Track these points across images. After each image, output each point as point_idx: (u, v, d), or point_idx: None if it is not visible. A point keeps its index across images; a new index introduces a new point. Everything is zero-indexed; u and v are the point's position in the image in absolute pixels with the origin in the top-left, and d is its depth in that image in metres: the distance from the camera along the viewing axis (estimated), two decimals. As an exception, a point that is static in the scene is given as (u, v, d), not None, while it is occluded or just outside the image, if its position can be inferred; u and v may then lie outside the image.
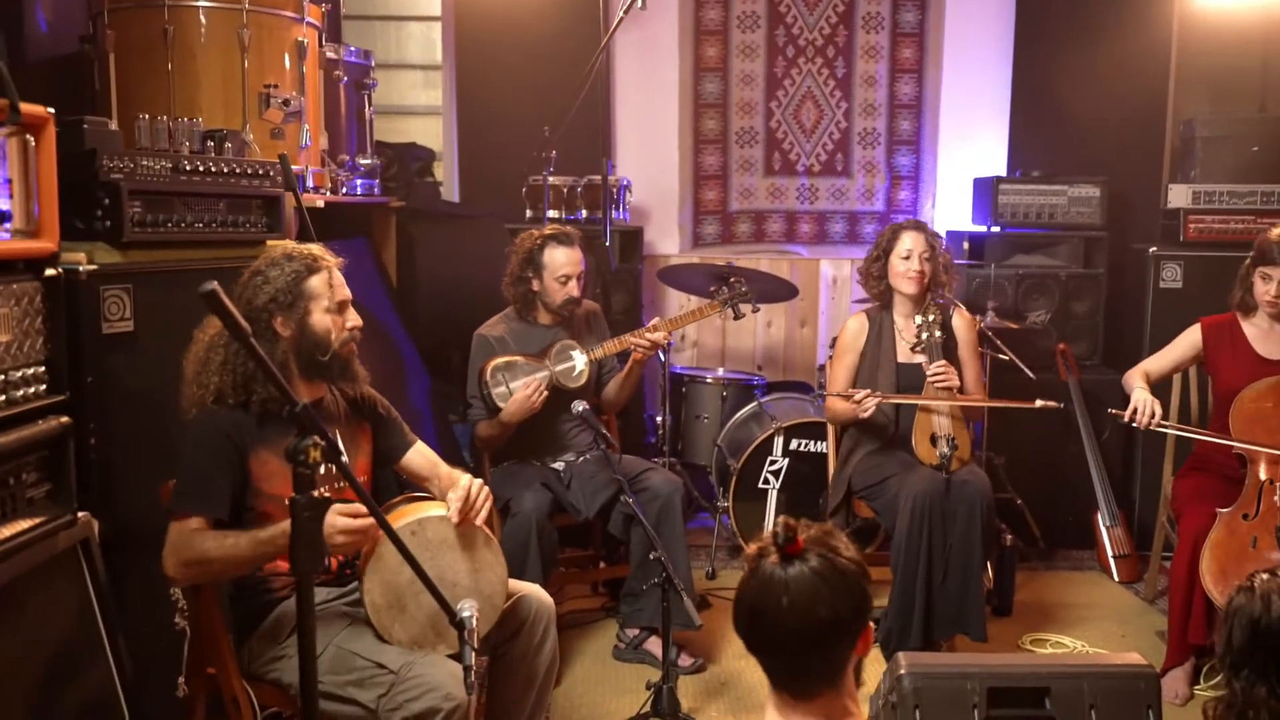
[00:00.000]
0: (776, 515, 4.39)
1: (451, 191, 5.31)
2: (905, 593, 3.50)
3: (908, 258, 3.76)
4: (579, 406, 3.40)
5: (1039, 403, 3.67)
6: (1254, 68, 5.36)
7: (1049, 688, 2.61)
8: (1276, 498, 3.36)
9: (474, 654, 2.11)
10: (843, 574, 1.62)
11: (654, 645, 3.64)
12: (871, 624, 1.72)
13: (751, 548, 1.69)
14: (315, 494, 1.82)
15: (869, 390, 3.63)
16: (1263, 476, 3.41)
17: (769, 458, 4.40)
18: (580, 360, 3.72)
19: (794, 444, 4.40)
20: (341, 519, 2.22)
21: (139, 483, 2.49)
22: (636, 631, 3.70)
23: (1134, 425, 3.60)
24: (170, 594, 2.45)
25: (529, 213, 4.92)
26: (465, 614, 2.17)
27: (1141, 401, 3.60)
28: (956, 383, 3.65)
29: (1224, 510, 3.41)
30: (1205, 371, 3.88)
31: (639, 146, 5.45)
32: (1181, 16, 5.18)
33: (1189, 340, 3.80)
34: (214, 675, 2.44)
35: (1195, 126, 4.95)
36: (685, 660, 3.61)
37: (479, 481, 2.49)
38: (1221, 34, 5.18)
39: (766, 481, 4.41)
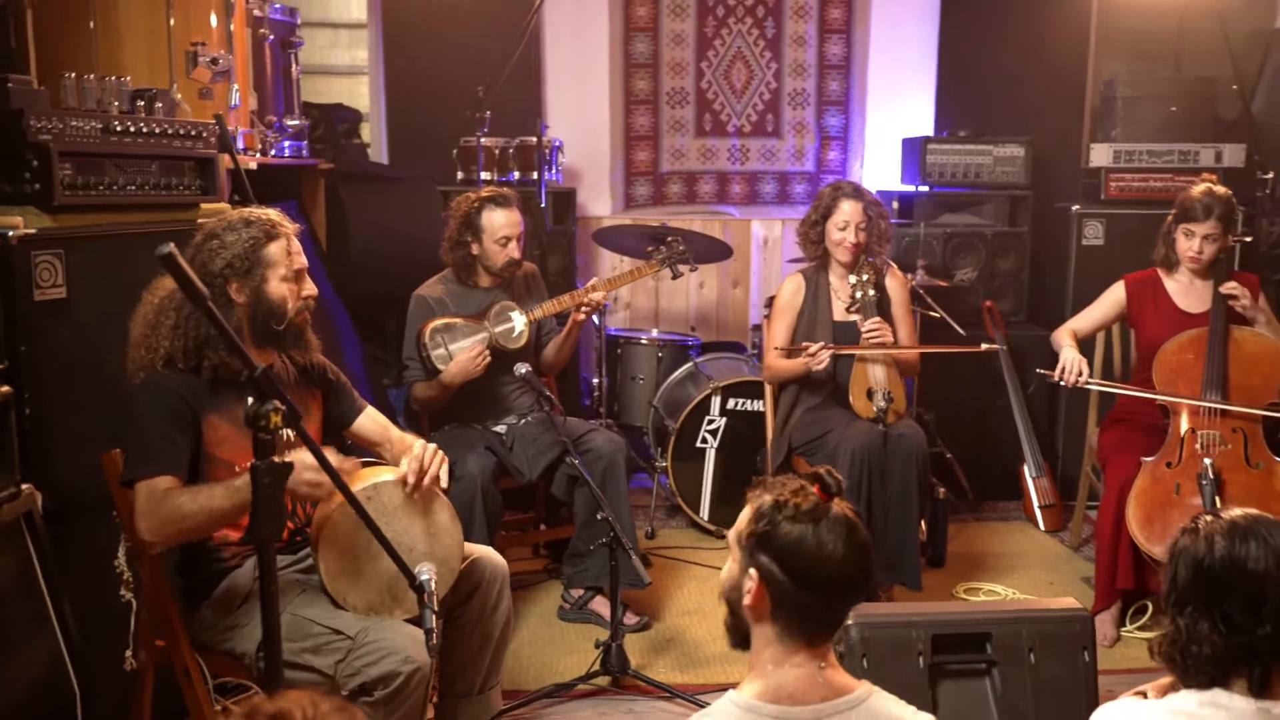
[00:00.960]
0: (715, 474, 4.45)
1: (380, 153, 5.23)
2: (845, 546, 3.56)
3: (844, 228, 3.81)
4: (521, 369, 3.39)
5: (983, 346, 3.78)
6: (1170, 29, 5.49)
7: (990, 633, 2.71)
8: (1198, 445, 3.48)
9: (434, 616, 2.11)
10: (858, 528, 1.69)
11: (599, 605, 3.67)
12: None
13: (802, 499, 1.66)
14: (275, 459, 1.80)
15: (822, 343, 3.68)
16: (1185, 426, 3.53)
17: (706, 417, 4.44)
18: (520, 321, 3.70)
19: (731, 403, 4.44)
20: (309, 466, 2.18)
21: (76, 453, 2.43)
22: (581, 591, 3.72)
23: (1062, 384, 3.71)
24: (115, 566, 2.40)
25: (460, 174, 4.87)
26: (424, 577, 2.17)
27: (1069, 360, 3.70)
28: (890, 339, 3.72)
29: (1148, 459, 3.53)
30: (1128, 326, 3.99)
31: (570, 107, 5.41)
32: (1101, -21, 5.29)
33: (1113, 297, 3.91)
34: (163, 647, 2.40)
35: (1115, 87, 5.07)
36: (631, 618, 3.64)
37: (433, 446, 2.47)
38: (1138, -3, 5.30)
39: (704, 441, 4.46)
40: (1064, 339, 3.84)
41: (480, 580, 2.59)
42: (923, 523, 4.08)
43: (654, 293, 5.52)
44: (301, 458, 2.14)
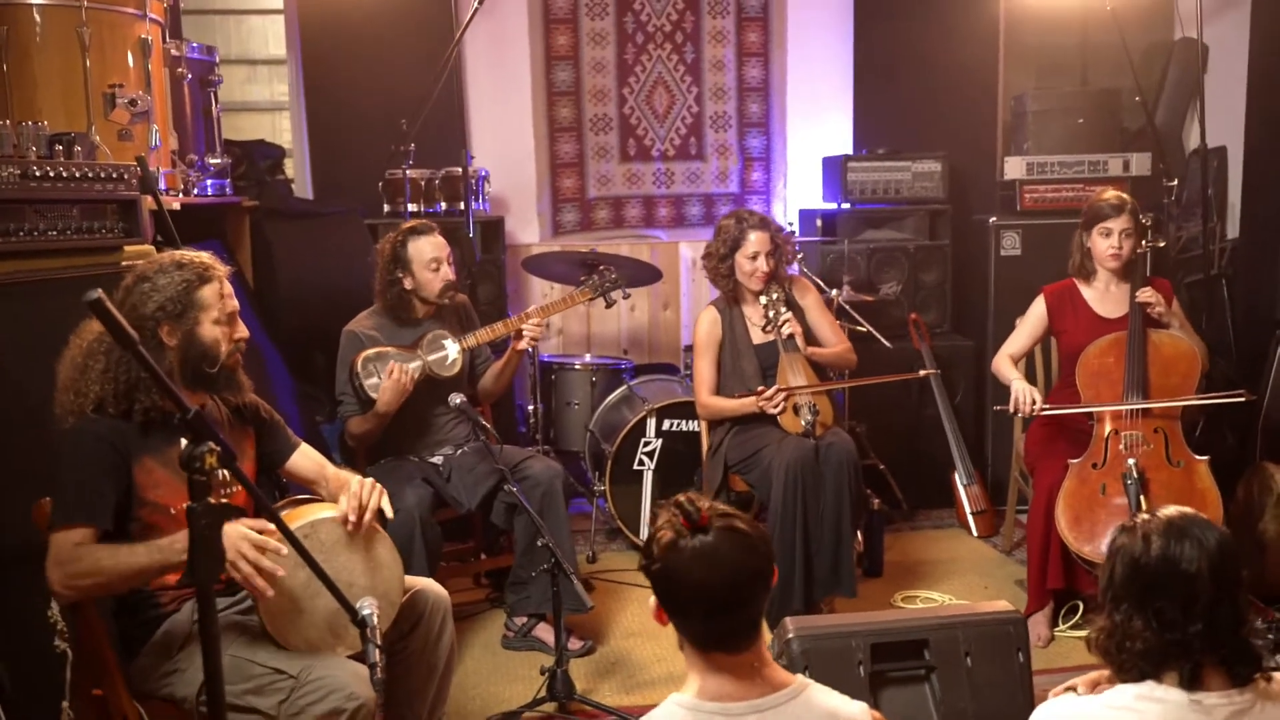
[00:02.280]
0: (653, 495, 4.48)
1: (304, 188, 5.20)
2: (785, 559, 3.62)
3: (754, 258, 3.88)
4: (456, 399, 3.39)
5: (920, 372, 3.86)
6: (1074, 43, 5.68)
7: (927, 639, 2.77)
8: (1121, 446, 3.59)
9: (377, 651, 2.11)
10: (748, 532, 1.73)
11: (543, 631, 3.68)
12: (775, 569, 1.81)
13: (664, 534, 1.73)
14: (211, 501, 1.79)
15: (777, 387, 3.74)
16: (1109, 428, 3.64)
17: (642, 439, 4.48)
18: (453, 349, 3.71)
19: (666, 424, 4.48)
20: (250, 536, 2.18)
21: (5, 500, 2.39)
22: (525, 619, 3.72)
23: (1018, 415, 3.79)
24: (49, 616, 2.36)
25: (387, 207, 4.87)
26: (366, 612, 2.17)
27: (1021, 391, 3.75)
28: (799, 328, 3.82)
29: (1074, 461, 3.62)
30: (1052, 335, 4.10)
31: (494, 136, 5.43)
32: (1006, -2, 5.45)
33: (1036, 313, 4.01)
34: (101, 696, 2.36)
35: (1025, 101, 5.22)
36: (575, 643, 3.65)
37: (370, 480, 2.47)
38: (1044, 12, 5.46)
39: (641, 463, 4.49)
40: (1007, 370, 3.90)
41: (423, 612, 2.58)
42: (859, 533, 4.16)
43: (586, 318, 5.55)
44: (233, 528, 2.14)
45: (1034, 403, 3.73)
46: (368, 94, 5.06)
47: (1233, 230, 5.45)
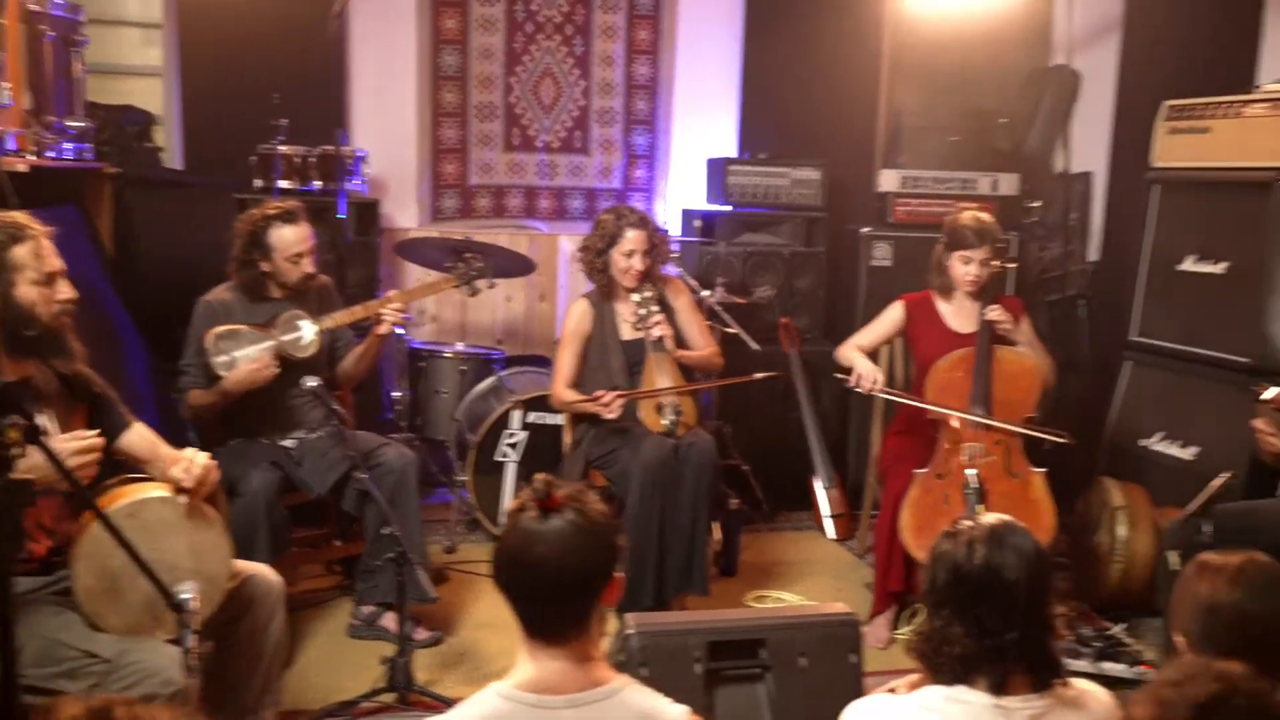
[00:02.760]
0: (515, 488, 4.47)
1: (174, 158, 5.04)
2: (638, 556, 3.65)
3: (630, 256, 3.90)
4: (310, 382, 3.33)
5: (759, 375, 3.92)
6: (955, 65, 5.82)
7: (764, 639, 2.81)
8: (964, 457, 3.70)
9: (193, 636, 2.07)
10: (594, 526, 1.75)
11: (390, 621, 3.63)
12: (619, 575, 1.81)
13: (513, 503, 1.77)
14: (11, 477, 1.72)
15: (616, 392, 3.76)
16: (953, 440, 3.75)
17: (506, 431, 4.46)
18: (309, 330, 3.63)
19: (532, 417, 4.47)
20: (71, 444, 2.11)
21: None
22: (372, 608, 3.68)
23: (858, 389, 3.89)
24: None
25: (259, 182, 4.75)
26: (184, 596, 2.12)
27: (865, 368, 3.88)
28: (670, 331, 3.84)
29: (921, 471, 3.73)
30: (906, 343, 4.21)
31: (376, 117, 5.34)
32: (894, 15, 5.55)
33: (891, 316, 4.11)
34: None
35: (903, 117, 5.34)
36: (422, 634, 3.62)
37: (202, 458, 2.41)
38: (928, 34, 5.58)
39: (504, 454, 4.47)
40: (851, 353, 4.01)
41: (252, 598, 2.54)
42: (716, 532, 4.21)
43: (461, 306, 5.50)
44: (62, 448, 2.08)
45: (876, 381, 3.85)
46: (246, 65, 4.92)
47: (1094, 253, 5.66)
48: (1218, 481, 3.08)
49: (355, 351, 3.87)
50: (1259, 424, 3.18)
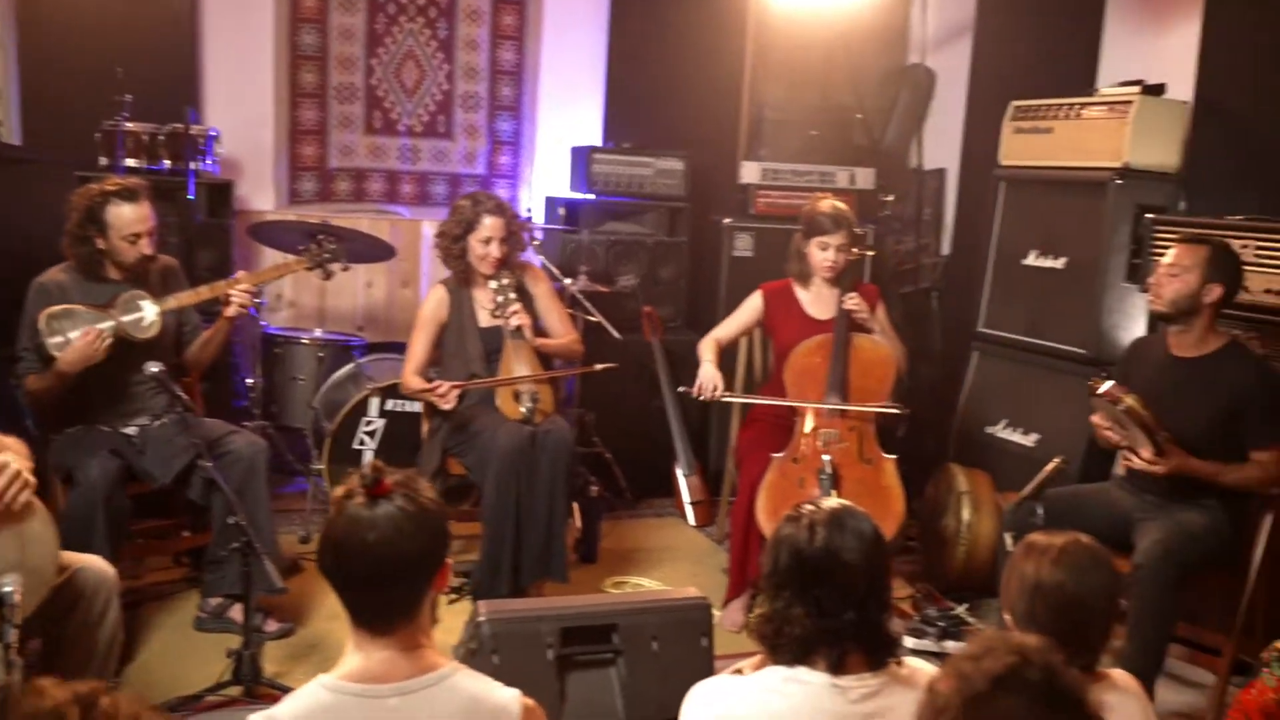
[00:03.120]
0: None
1: (12, 132, 4.80)
2: (494, 543, 3.63)
3: (487, 243, 3.88)
4: (153, 367, 3.21)
5: (598, 366, 3.97)
6: (817, 61, 5.94)
7: (616, 624, 2.84)
8: (819, 443, 3.78)
9: (14, 631, 1.98)
10: (424, 512, 1.73)
11: (238, 613, 3.53)
12: (449, 561, 1.80)
13: (339, 490, 1.74)
14: None
15: (451, 383, 3.75)
16: (809, 425, 3.83)
17: (364, 419, 4.39)
18: (150, 311, 3.48)
19: (390, 405, 4.40)
20: None
21: None
22: (220, 600, 3.58)
23: (701, 398, 3.96)
24: None
25: (104, 160, 4.56)
26: (5, 589, 2.03)
27: (705, 377, 3.95)
28: (528, 320, 3.85)
29: (777, 455, 3.80)
30: (765, 332, 4.28)
31: (231, 96, 5.18)
32: (758, 9, 5.63)
33: (751, 306, 4.18)
34: None
35: (765, 110, 5.42)
36: (272, 625, 3.53)
37: (14, 465, 2.28)
38: (791, 29, 5.68)
39: (362, 443, 4.40)
40: (706, 352, 4.06)
41: (82, 591, 2.44)
42: (576, 519, 4.22)
43: (319, 291, 5.37)
44: None
45: (716, 388, 3.91)
46: (90, 36, 4.73)
47: (946, 247, 5.84)
48: (1050, 466, 3.21)
49: (203, 336, 3.75)
50: (1095, 419, 3.33)
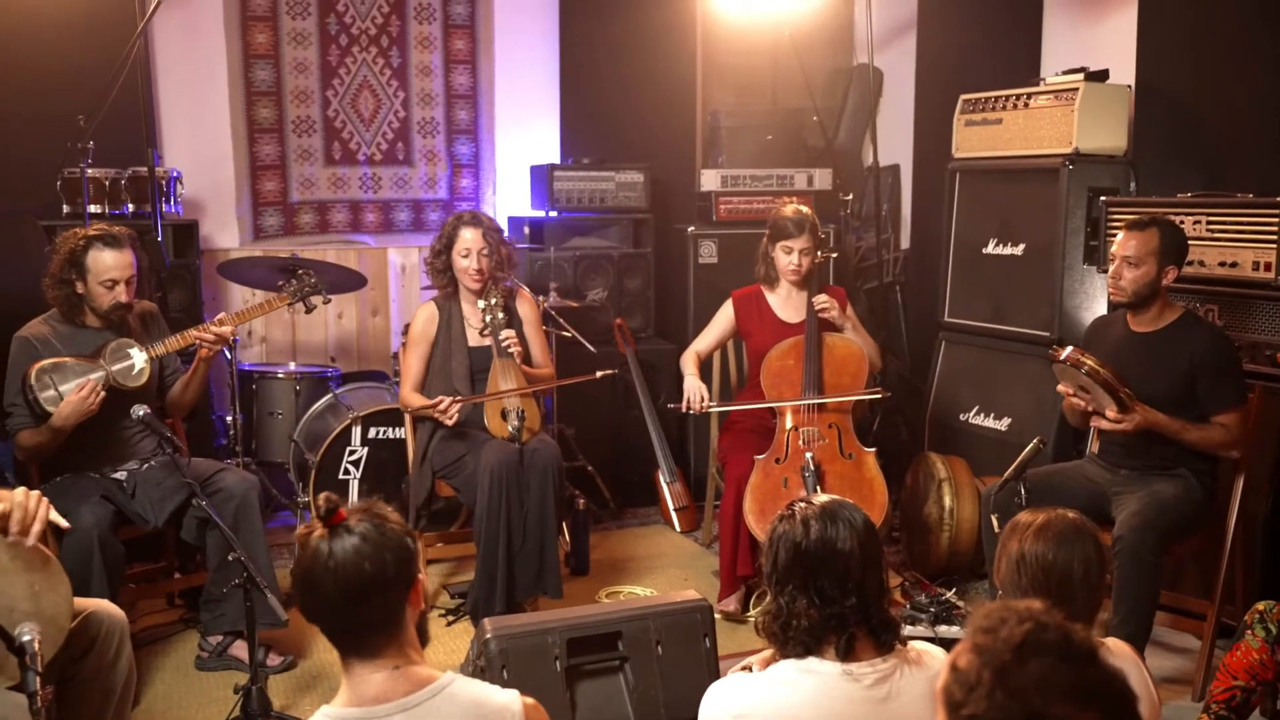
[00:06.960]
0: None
1: (-30, 185, 4.78)
2: (488, 562, 3.67)
3: (467, 255, 3.92)
4: (139, 411, 3.23)
5: (599, 373, 4.00)
6: (766, 66, 6.04)
7: (620, 631, 2.89)
8: (800, 441, 3.86)
9: (38, 679, 1.99)
10: (383, 533, 1.73)
11: (239, 649, 3.55)
12: (422, 577, 1.83)
13: (300, 529, 1.75)
14: None
15: (452, 398, 3.79)
16: (789, 425, 3.90)
17: (348, 448, 4.40)
18: (140, 358, 3.50)
19: (372, 432, 4.42)
20: None
21: None
22: (220, 638, 3.58)
23: (690, 412, 4.04)
24: None
25: (67, 208, 4.54)
26: (25, 638, 2.04)
27: (691, 389, 4.04)
28: (521, 350, 3.89)
29: (760, 457, 3.87)
30: (739, 338, 4.35)
31: (189, 136, 5.19)
32: (704, 19, 5.72)
33: (724, 315, 4.26)
34: None
35: (719, 117, 5.51)
36: (274, 659, 3.54)
37: (34, 493, 2.31)
38: (738, 36, 5.78)
39: (347, 472, 4.41)
40: (689, 366, 4.15)
41: (96, 635, 2.45)
42: (565, 533, 4.26)
43: (290, 325, 5.39)
44: None
45: (703, 400, 3.99)
46: (46, 85, 4.70)
47: (906, 241, 5.96)
48: (1029, 448, 3.30)
49: (182, 379, 3.75)
50: (1061, 387, 3.44)
